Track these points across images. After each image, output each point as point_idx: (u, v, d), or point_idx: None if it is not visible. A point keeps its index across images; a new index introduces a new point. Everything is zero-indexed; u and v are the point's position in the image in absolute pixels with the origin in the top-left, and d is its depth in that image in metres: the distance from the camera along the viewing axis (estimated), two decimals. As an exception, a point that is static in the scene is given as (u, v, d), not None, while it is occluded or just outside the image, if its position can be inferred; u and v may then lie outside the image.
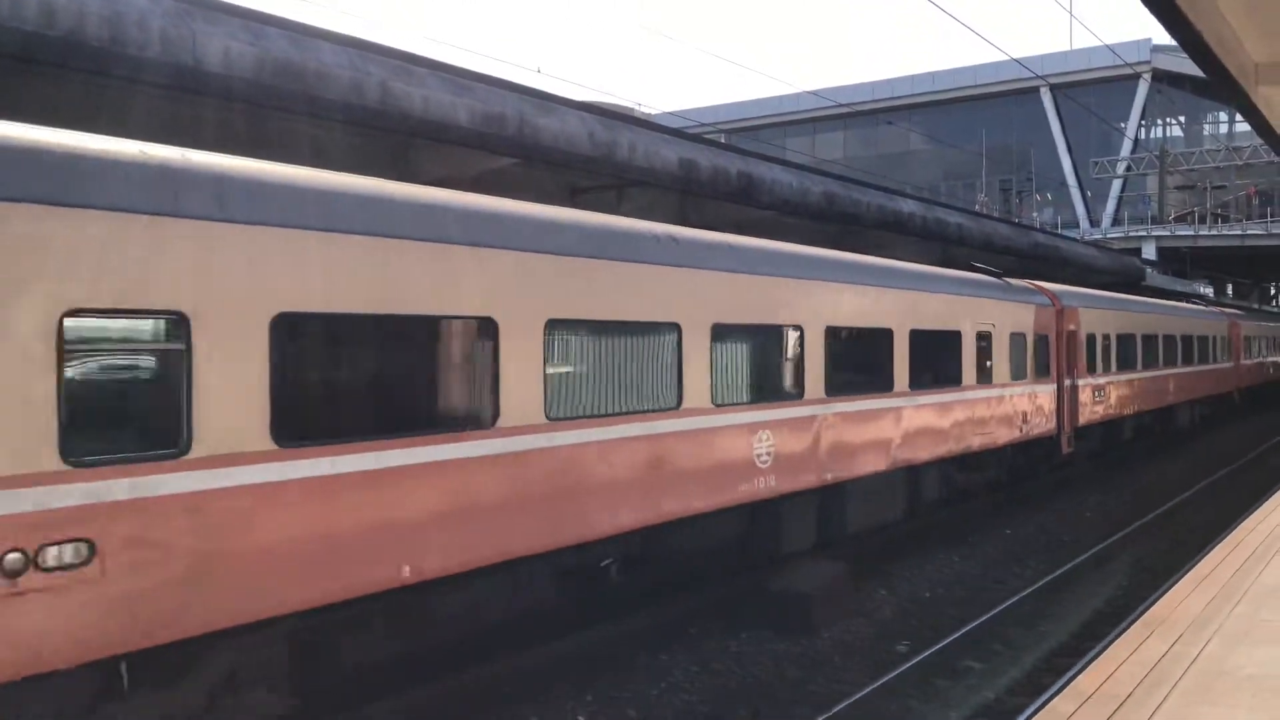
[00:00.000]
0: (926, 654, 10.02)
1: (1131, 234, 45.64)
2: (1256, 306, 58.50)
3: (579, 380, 9.00)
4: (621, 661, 9.78)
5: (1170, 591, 8.34)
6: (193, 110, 9.35)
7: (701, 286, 10.33)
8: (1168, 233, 44.69)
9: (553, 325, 8.60)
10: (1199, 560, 9.90)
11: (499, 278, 8.14)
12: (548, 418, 8.54)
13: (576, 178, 14.25)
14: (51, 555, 5.57)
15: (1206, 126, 56.34)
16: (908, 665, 9.68)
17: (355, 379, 7.48)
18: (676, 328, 9.97)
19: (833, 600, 11.49)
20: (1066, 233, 43.12)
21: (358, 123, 10.52)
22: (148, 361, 6.27)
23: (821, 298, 12.18)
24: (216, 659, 6.64)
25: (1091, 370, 20.84)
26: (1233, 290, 58.38)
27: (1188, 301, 35.11)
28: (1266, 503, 13.59)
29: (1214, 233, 45.01)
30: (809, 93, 41.81)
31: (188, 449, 6.15)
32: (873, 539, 14.39)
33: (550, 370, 8.57)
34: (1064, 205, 56.06)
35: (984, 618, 11.26)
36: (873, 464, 13.12)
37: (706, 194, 15.72)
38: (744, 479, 10.72)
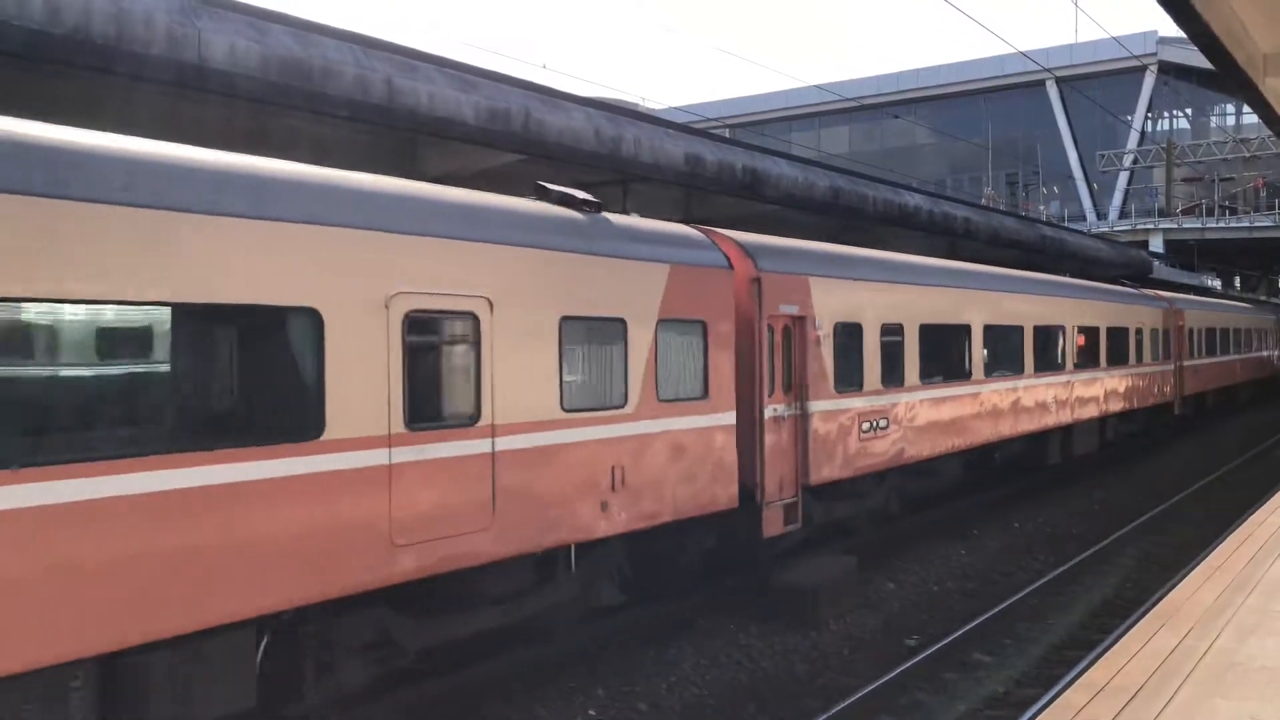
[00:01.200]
0: (935, 648, 10.00)
1: (1138, 226, 45.43)
2: None
3: (991, 353, 16.44)
4: (630, 656, 9.79)
5: (1182, 583, 8.30)
6: (199, 109, 9.37)
7: (1022, 303, 18.02)
8: (1175, 225, 44.46)
9: (986, 327, 16.28)
10: (1210, 552, 9.87)
11: (977, 304, 16.15)
12: (985, 374, 16.20)
13: (581, 173, 14.24)
14: (879, 423, 13.18)
15: (1214, 119, 56.03)
16: (917, 659, 9.66)
17: (931, 353, 14.68)
18: (1021, 329, 17.76)
19: (840, 594, 11.48)
20: (1073, 226, 42.98)
21: (364, 119, 10.51)
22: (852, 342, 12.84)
23: (1073, 308, 20.18)
24: (887, 480, 14.24)
25: (1192, 355, 28.48)
26: (1240, 283, 58.09)
27: (1244, 300, 41.99)
28: (1278, 494, 13.53)
29: (1221, 225, 44.80)
30: (814, 87, 41.65)
31: (902, 383, 13.93)
32: (877, 533, 14.42)
33: (984, 348, 16.11)
34: (1070, 198, 55.85)
35: (992, 611, 11.25)
36: (1090, 412, 20.76)
37: (712, 189, 15.70)
38: (1043, 416, 18.42)
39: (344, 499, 6.82)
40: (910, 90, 59.57)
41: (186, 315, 6.14)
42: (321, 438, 6.71)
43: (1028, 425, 17.71)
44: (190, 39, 8.30)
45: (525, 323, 8.26)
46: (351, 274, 6.96)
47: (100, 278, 5.73)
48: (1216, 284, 47.77)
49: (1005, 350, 17.07)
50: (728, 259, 10.93)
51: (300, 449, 6.60)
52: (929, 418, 14.48)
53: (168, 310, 6.07)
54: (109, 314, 5.99)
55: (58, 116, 6.31)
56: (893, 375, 13.60)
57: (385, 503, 7.06)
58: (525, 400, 8.20)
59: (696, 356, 10.18)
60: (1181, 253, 44.32)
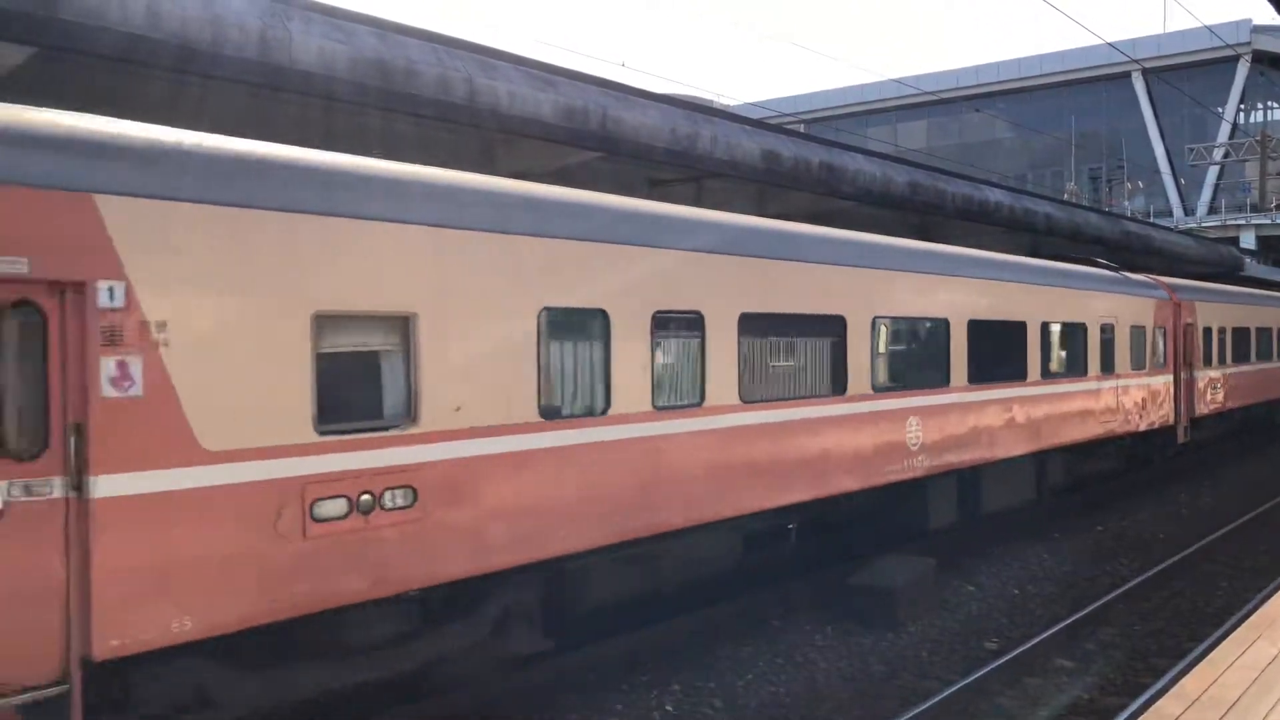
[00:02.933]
0: (1016, 651, 9.81)
1: (1229, 222, 43.89)
2: None
3: (1259, 344, 24.84)
4: (705, 653, 9.79)
5: (1279, 592, 8.02)
6: (287, 108, 9.60)
7: (1274, 310, 26.91)
8: (1268, 221, 42.86)
9: (1258, 329, 24.76)
10: (1308, 560, 9.52)
11: (1250, 313, 24.36)
12: (1255, 359, 24.71)
13: (657, 170, 14.25)
14: (1216, 385, 22.16)
15: (1311, 109, 53.90)
16: (998, 662, 9.49)
17: (1234, 344, 23.20)
18: (1270, 329, 25.79)
19: (918, 596, 11.33)
20: (1159, 222, 41.74)
21: (446, 119, 10.66)
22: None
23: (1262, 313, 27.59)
24: (1206, 422, 21.99)
25: None
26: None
27: None
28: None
29: (1319, 220, 43.02)
30: (892, 80, 41.09)
31: (1224, 362, 22.75)
32: (956, 535, 14.20)
33: (1255, 341, 24.57)
34: (1156, 193, 54.23)
35: (1075, 616, 10.99)
36: None
37: (788, 185, 15.58)
38: (1258, 393, 25.23)
39: (1096, 400, 16.38)
40: (990, 83, 58.38)
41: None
42: (1025, 379, 14.37)
43: (1274, 394, 26.32)
44: (281, 41, 8.51)
45: (1124, 327, 17.37)
46: (1043, 308, 14.92)
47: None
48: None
49: (1264, 343, 25.40)
50: (1168, 293, 19.56)
51: (1017, 384, 14.14)
52: (1230, 384, 22.70)
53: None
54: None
55: (142, 116, 6.52)
56: (1220, 357, 22.15)
57: (1094, 403, 16.24)
58: (1121, 363, 17.15)
59: (1161, 345, 18.97)
60: (1275, 249, 42.70)
